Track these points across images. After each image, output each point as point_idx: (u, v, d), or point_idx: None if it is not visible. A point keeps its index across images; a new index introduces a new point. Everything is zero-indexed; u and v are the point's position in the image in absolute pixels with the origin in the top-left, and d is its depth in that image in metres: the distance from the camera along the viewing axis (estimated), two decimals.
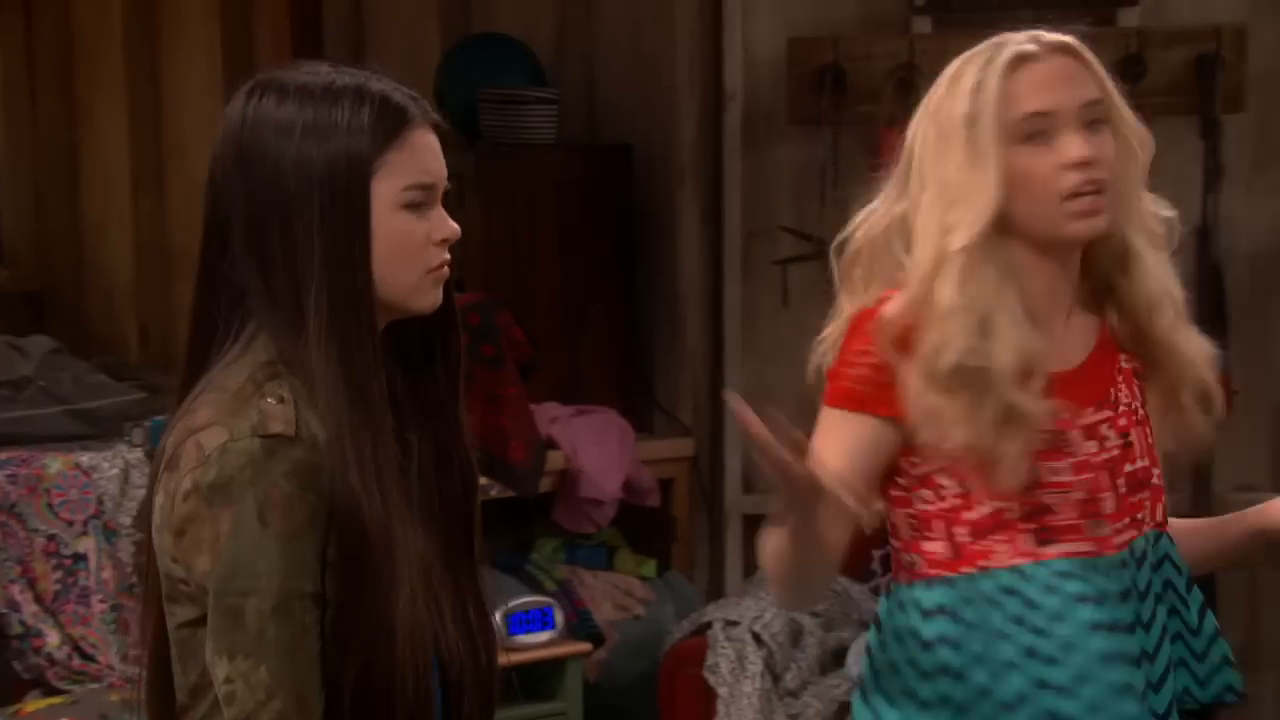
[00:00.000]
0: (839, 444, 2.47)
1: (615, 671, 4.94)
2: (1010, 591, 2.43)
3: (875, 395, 2.47)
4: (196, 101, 5.82)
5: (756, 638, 4.64)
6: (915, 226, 2.47)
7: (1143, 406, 2.52)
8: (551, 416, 5.02)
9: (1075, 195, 2.42)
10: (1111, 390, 2.49)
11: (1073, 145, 2.41)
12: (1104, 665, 2.42)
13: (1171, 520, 2.57)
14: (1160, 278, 2.52)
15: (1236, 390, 5.05)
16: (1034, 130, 2.42)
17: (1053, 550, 2.44)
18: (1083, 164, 2.41)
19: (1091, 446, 2.46)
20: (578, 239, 5.20)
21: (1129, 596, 2.45)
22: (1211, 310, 5.08)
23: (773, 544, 2.42)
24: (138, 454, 4.53)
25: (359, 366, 2.02)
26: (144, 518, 2.12)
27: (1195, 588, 2.54)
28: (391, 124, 2.05)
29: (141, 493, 4.50)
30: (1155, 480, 2.50)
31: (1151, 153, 2.51)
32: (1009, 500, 2.43)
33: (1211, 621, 2.55)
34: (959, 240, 2.42)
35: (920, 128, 2.50)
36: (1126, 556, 2.46)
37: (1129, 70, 5.02)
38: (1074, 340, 2.50)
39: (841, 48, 5.10)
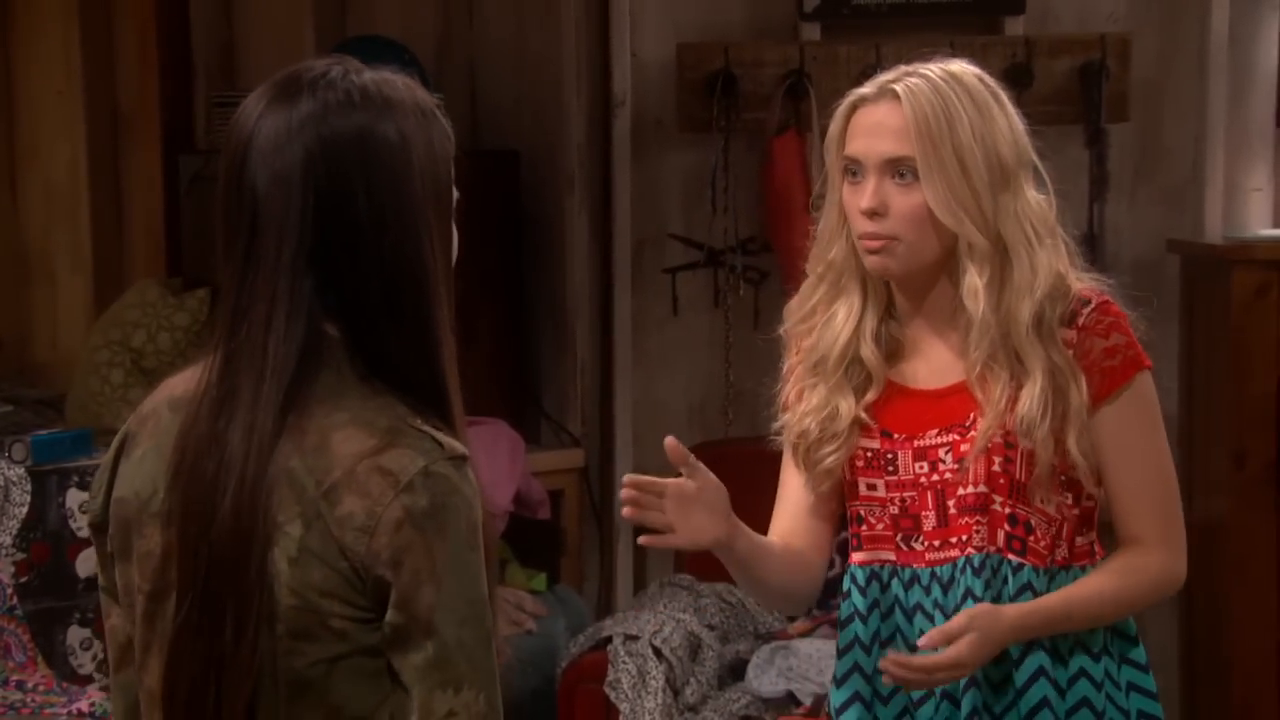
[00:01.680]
0: None
1: (508, 688, 4.81)
2: (847, 591, 2.70)
3: None
4: (54, 104, 5.63)
5: (657, 652, 4.57)
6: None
7: (1017, 438, 2.58)
8: None
9: (864, 237, 2.60)
10: (971, 415, 2.61)
11: (863, 194, 2.58)
12: (864, 679, 2.66)
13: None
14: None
15: None
16: (851, 169, 2.62)
17: (858, 556, 2.68)
18: (868, 213, 2.58)
19: (921, 467, 2.62)
20: (464, 247, 5.07)
21: (915, 613, 2.63)
22: None
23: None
24: (19, 470, 4.35)
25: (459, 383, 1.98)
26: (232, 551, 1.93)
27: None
28: (450, 137, 2.02)
29: (23, 510, 4.32)
30: (997, 507, 2.58)
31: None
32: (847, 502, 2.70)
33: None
34: (813, 257, 2.68)
35: None
36: (941, 572, 2.61)
37: (1016, 79, 5.03)
38: (946, 363, 2.64)
39: (731, 54, 5.06)
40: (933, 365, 2.65)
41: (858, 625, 2.67)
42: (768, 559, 2.67)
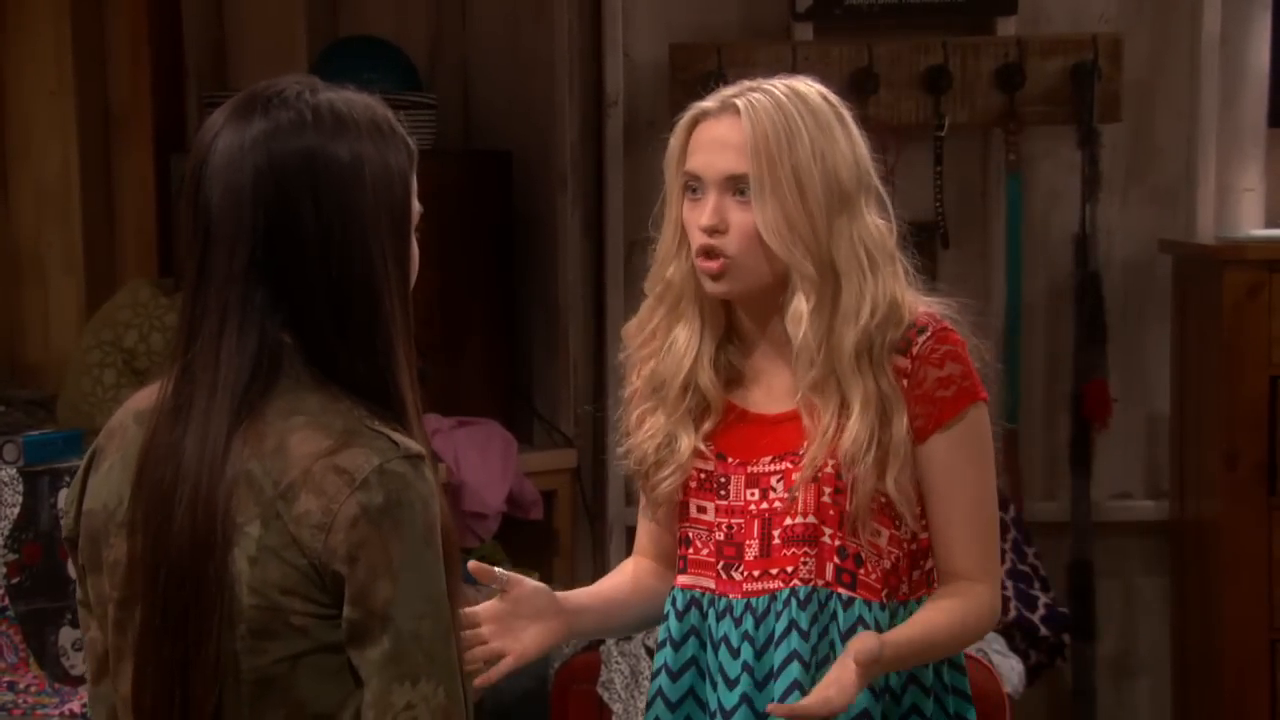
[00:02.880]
0: None
1: (499, 689, 4.81)
2: (666, 614, 2.62)
3: None
4: (45, 104, 5.62)
5: (650, 652, 4.57)
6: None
7: (847, 471, 2.50)
8: (433, 429, 4.90)
9: (702, 255, 2.53)
10: (806, 444, 2.54)
11: (702, 211, 2.52)
12: (668, 707, 2.60)
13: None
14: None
15: (1114, 399, 5.11)
16: (691, 185, 2.55)
17: (682, 580, 2.61)
18: (708, 230, 2.51)
19: (753, 494, 2.55)
20: (456, 247, 5.08)
21: (720, 645, 2.54)
22: (1089, 318, 5.12)
23: None
24: (11, 471, 4.35)
25: (418, 388, 2.03)
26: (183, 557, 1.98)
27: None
28: (411, 154, 2.08)
29: (14, 510, 4.32)
30: (827, 539, 2.51)
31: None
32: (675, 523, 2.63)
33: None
34: (651, 278, 2.62)
35: None
36: (757, 604, 2.52)
37: (1008, 79, 5.05)
38: (784, 389, 2.57)
39: (724, 54, 5.05)
40: (772, 391, 2.59)
41: (668, 652, 2.61)
42: (622, 612, 2.68)
